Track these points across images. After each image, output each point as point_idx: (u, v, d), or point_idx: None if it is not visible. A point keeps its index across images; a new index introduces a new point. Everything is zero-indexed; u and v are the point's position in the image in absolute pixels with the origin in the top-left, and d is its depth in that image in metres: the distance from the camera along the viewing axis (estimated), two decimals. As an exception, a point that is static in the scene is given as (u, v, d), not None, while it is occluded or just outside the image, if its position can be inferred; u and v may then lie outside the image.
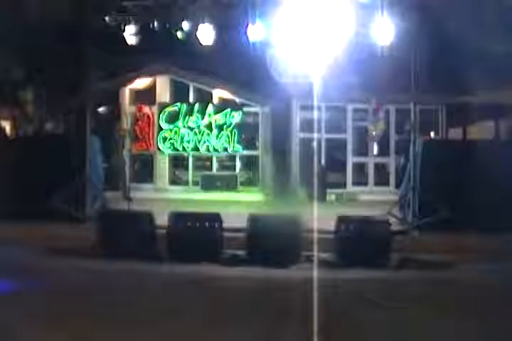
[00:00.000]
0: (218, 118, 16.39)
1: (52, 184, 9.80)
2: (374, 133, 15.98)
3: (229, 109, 16.37)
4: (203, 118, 16.46)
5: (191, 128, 16.55)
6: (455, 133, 17.82)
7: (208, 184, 16.21)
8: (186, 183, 17.05)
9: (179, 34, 10.17)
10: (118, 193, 13.53)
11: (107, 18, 9.93)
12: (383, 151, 16.50)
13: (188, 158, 17.09)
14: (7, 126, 16.83)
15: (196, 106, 16.59)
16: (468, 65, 13.71)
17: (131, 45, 10.19)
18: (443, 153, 9.76)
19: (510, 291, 6.27)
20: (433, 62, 12.60)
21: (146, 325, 4.96)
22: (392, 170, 16.46)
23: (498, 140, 15.96)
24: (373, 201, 13.95)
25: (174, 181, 17.28)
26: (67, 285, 6.34)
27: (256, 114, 16.86)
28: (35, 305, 5.46)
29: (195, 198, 14.90)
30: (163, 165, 17.04)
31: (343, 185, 16.31)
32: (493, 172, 9.08)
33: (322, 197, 14.76)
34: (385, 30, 9.48)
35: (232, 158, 16.89)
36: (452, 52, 13.94)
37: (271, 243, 7.77)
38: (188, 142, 16.57)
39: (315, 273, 7.27)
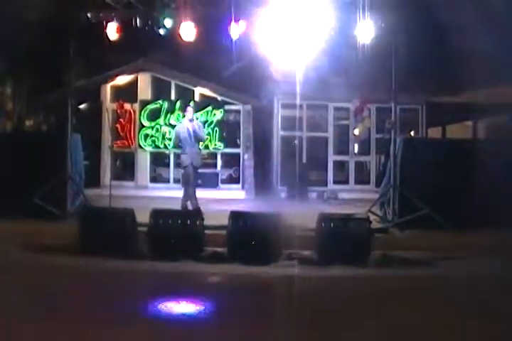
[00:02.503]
0: (200, 116, 16.39)
1: (33, 181, 9.74)
2: (358, 132, 16.11)
3: (210, 107, 16.39)
4: (184, 115, 16.43)
5: (173, 126, 16.51)
6: (435, 133, 18.04)
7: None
8: (167, 181, 17.04)
9: (161, 31, 10.14)
10: (98, 191, 13.48)
11: (88, 15, 9.87)
12: (364, 150, 16.63)
13: (169, 156, 17.08)
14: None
15: (178, 104, 16.58)
16: (449, 65, 13.87)
17: (113, 42, 10.13)
18: (422, 152, 9.86)
19: (490, 288, 6.35)
20: (414, 61, 12.72)
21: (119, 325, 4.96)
22: (372, 168, 16.59)
23: (476, 139, 16.17)
24: (354, 199, 14.07)
25: (155, 178, 17.26)
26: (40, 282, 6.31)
27: (237, 111, 16.89)
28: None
29: (176, 195, 14.87)
30: (144, 163, 17.02)
31: (324, 183, 16.42)
32: (472, 171, 9.22)
33: (303, 195, 14.84)
34: (367, 29, 9.53)
35: (214, 155, 16.91)
36: (433, 51, 14.09)
37: (252, 240, 7.80)
38: (170, 139, 16.54)
39: (296, 271, 7.35)
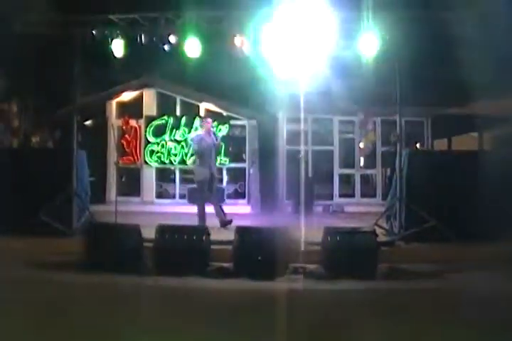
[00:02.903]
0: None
1: (38, 198, 9.75)
2: (364, 145, 16.12)
3: (216, 122, 16.41)
4: (190, 131, 16.49)
5: (178, 142, 16.59)
6: (441, 145, 18.02)
7: (195, 197, 16.16)
8: (173, 196, 17.05)
9: (166, 47, 10.22)
10: (103, 207, 13.48)
11: (94, 32, 9.95)
12: (370, 163, 16.61)
13: (174, 171, 17.10)
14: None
15: (183, 120, 16.64)
16: (454, 77, 13.87)
17: (118, 59, 10.21)
18: (428, 164, 9.83)
19: (496, 300, 6.30)
20: (419, 74, 12.75)
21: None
22: (378, 181, 16.56)
23: (483, 150, 16.12)
24: (360, 212, 14.01)
25: (161, 194, 17.27)
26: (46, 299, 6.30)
27: (243, 126, 16.93)
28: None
29: (182, 211, 14.87)
30: (149, 179, 17.03)
31: (330, 197, 16.38)
32: (477, 182, 9.18)
33: (309, 209, 14.79)
34: (371, 43, 9.56)
35: (219, 170, 16.90)
36: (438, 64, 14.11)
37: (258, 255, 7.77)
38: (175, 155, 16.60)
39: (303, 285, 7.31)
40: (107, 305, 6.18)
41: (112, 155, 16.15)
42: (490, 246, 8.63)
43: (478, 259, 8.33)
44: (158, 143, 16.67)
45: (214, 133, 11.05)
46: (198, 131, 11.21)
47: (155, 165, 16.82)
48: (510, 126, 15.82)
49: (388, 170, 15.42)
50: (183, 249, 7.98)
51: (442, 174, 9.56)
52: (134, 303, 6.31)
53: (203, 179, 10.68)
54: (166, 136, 16.64)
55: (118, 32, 10.06)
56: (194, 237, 8.12)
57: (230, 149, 16.57)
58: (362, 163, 16.69)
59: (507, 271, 7.64)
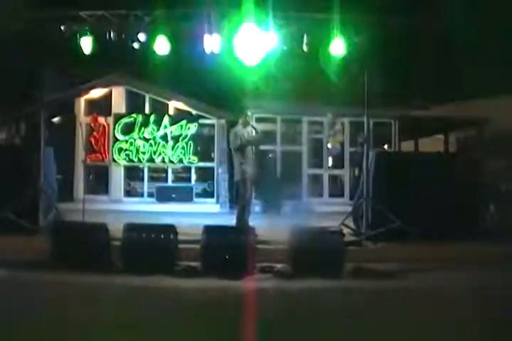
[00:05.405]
0: (174, 130, 16.41)
1: (4, 195, 9.62)
2: (331, 146, 16.24)
3: (185, 121, 16.41)
4: (158, 129, 16.45)
5: (147, 140, 16.51)
6: (408, 146, 18.26)
7: (164, 195, 16.16)
8: (141, 195, 16.96)
9: (135, 45, 10.16)
10: (71, 205, 13.34)
11: (62, 28, 9.85)
12: (338, 163, 16.75)
13: (143, 170, 17.01)
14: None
15: (152, 118, 16.57)
16: (421, 80, 14.09)
17: (87, 55, 10.12)
18: (395, 165, 9.96)
19: (460, 299, 6.41)
20: (387, 76, 12.89)
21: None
22: (346, 181, 16.71)
23: (448, 152, 16.41)
24: (328, 212, 14.10)
25: (129, 192, 17.17)
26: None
27: (212, 125, 16.93)
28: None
29: (150, 210, 14.82)
30: (118, 177, 16.92)
31: (299, 197, 16.47)
32: (443, 183, 9.33)
33: (278, 208, 14.87)
34: (340, 44, 9.65)
35: (188, 169, 16.89)
36: (406, 67, 14.29)
37: (226, 254, 7.79)
38: (144, 153, 16.53)
39: (270, 284, 7.35)
40: (72, 304, 6.13)
41: (80, 153, 16.01)
42: (456, 245, 8.79)
43: (443, 259, 8.48)
44: (126, 141, 16.58)
45: (253, 127, 10.25)
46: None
47: (123, 163, 16.71)
48: (474, 129, 16.13)
49: (356, 171, 15.57)
50: (150, 247, 7.95)
51: (409, 175, 9.70)
52: (100, 302, 6.28)
53: (239, 179, 9.86)
54: (135, 134, 16.56)
55: (87, 28, 9.97)
56: (162, 236, 8.09)
57: (199, 148, 16.55)
58: (330, 163, 16.82)
59: (472, 270, 7.80)
